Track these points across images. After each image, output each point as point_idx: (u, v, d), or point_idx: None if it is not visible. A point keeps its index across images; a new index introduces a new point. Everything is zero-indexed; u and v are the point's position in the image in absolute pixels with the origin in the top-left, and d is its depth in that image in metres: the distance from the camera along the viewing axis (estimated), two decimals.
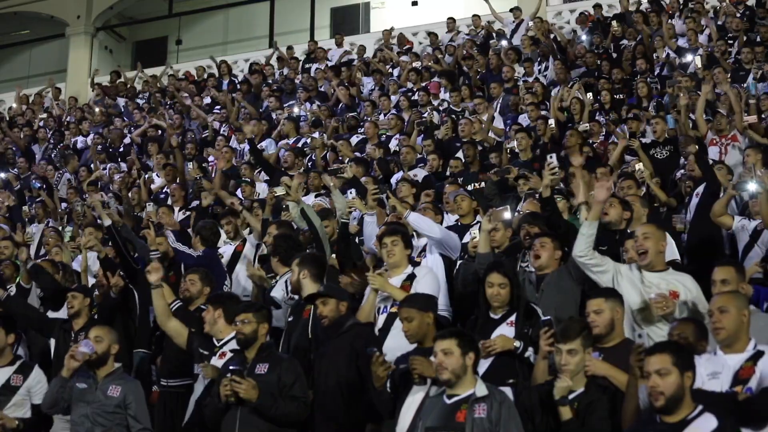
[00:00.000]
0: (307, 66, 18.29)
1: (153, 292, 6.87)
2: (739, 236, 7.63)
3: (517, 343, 5.67)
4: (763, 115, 10.48)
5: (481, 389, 4.81)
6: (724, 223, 7.75)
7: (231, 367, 5.63)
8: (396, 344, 5.93)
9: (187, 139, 14.96)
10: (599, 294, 5.49)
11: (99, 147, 15.91)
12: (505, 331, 5.76)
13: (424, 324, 5.55)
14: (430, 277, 6.61)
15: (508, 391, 5.47)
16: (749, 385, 4.63)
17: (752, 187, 7.55)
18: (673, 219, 8.47)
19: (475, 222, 8.41)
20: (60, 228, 11.71)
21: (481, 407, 4.73)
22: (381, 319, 6.47)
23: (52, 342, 7.75)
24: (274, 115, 15.62)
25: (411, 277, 6.55)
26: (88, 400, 6.12)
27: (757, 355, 4.72)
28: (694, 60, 12.75)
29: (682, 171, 9.47)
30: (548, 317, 5.64)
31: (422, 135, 12.59)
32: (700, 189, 8.52)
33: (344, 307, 6.19)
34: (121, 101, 19.02)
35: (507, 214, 7.17)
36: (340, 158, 12.20)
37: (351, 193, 8.74)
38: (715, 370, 4.67)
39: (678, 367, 4.26)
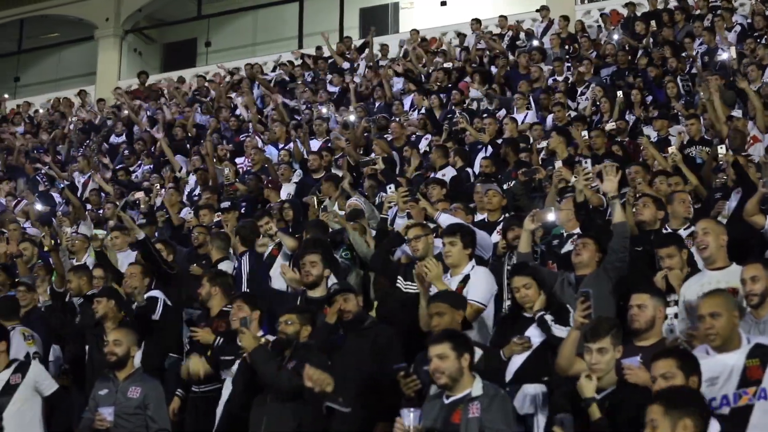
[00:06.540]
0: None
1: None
2: None
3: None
4: None
5: (477, 388, 4.81)
6: (757, 222, 7.62)
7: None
8: None
9: (215, 141, 15.00)
10: (645, 290, 5.41)
11: (126, 149, 16.10)
12: (535, 329, 5.82)
13: (455, 322, 5.61)
14: (484, 277, 6.54)
15: (539, 388, 5.56)
16: (763, 386, 4.52)
17: None
18: (718, 205, 8.14)
19: (501, 219, 8.44)
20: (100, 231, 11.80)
21: (475, 406, 4.74)
22: None
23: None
24: (304, 115, 15.62)
25: (465, 279, 6.45)
26: (109, 404, 6.13)
27: (763, 353, 4.60)
28: (729, 53, 12.64)
29: None
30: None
31: (451, 135, 12.61)
32: None
33: (361, 301, 6.31)
34: (145, 105, 19.07)
35: (551, 216, 7.15)
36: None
37: (390, 188, 8.74)
38: (712, 376, 4.57)
39: (683, 371, 4.30)
